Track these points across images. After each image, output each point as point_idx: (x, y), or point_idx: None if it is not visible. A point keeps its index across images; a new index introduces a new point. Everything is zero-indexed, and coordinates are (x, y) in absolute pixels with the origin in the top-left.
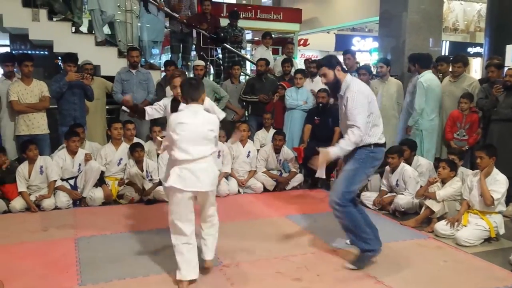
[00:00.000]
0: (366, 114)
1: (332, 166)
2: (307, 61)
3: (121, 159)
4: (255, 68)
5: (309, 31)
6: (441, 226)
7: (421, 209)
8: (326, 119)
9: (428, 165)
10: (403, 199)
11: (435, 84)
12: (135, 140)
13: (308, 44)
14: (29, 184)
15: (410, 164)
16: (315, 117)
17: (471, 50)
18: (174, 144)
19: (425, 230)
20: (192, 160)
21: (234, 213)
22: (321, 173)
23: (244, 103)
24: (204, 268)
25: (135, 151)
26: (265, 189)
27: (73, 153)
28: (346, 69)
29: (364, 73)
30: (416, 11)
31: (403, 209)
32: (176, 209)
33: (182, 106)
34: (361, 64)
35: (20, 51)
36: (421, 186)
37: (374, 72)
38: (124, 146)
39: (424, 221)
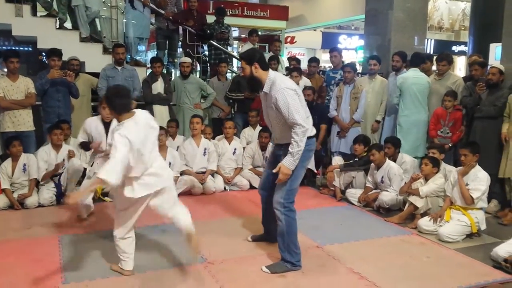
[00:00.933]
0: (302, 110)
1: (319, 163)
2: (290, 59)
3: None
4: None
5: (296, 29)
6: (424, 222)
7: (405, 205)
8: (312, 117)
9: (412, 162)
10: (387, 196)
11: (411, 81)
12: None
13: (295, 41)
14: (12, 182)
15: (394, 161)
16: None
17: (455, 48)
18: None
19: (409, 226)
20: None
21: (220, 210)
22: (311, 165)
23: (231, 101)
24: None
25: None
26: (252, 186)
27: (57, 147)
28: (333, 66)
29: (349, 70)
30: (402, 9)
31: (387, 206)
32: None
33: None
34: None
35: (3, 47)
36: (405, 183)
37: (359, 70)
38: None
39: (408, 217)
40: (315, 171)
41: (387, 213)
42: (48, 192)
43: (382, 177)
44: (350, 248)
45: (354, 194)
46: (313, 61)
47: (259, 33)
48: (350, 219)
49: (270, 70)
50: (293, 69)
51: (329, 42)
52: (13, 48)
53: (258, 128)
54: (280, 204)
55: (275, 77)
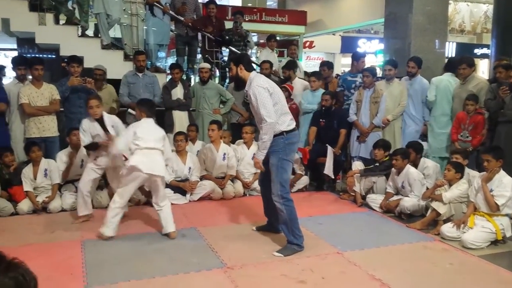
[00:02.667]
0: (270, 105)
1: (338, 168)
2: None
3: None
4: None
5: (314, 33)
6: (447, 229)
7: (427, 211)
8: (331, 121)
9: (434, 167)
10: (409, 202)
11: (445, 84)
12: None
13: (314, 46)
14: (35, 186)
15: (416, 166)
16: (320, 120)
17: (478, 51)
18: None
19: (431, 232)
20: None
21: (239, 215)
22: (328, 170)
23: (250, 106)
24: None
25: None
26: None
27: (76, 148)
28: (365, 86)
29: (367, 75)
30: (421, 12)
31: (409, 212)
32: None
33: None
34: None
35: (27, 55)
36: (427, 188)
37: (380, 74)
38: None
39: (430, 223)
40: (332, 176)
41: (409, 219)
42: (70, 197)
43: (403, 182)
44: (371, 255)
45: (375, 199)
46: (324, 65)
47: (278, 38)
48: (371, 225)
49: (253, 71)
50: (312, 74)
51: (349, 46)
52: (38, 55)
53: None
54: (278, 196)
55: (254, 77)
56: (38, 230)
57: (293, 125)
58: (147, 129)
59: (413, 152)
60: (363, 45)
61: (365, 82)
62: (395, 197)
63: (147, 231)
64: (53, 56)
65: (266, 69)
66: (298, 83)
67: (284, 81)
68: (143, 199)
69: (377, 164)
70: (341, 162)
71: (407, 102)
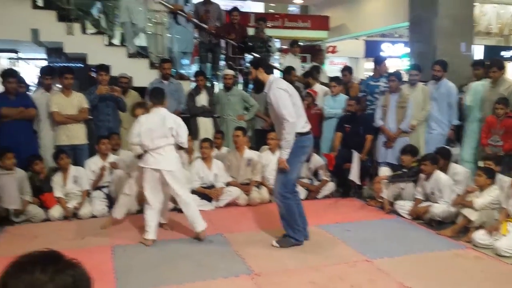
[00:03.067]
0: (290, 106)
1: (365, 174)
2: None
3: None
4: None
5: (338, 38)
6: (479, 236)
7: (458, 218)
8: (357, 127)
9: (465, 173)
10: (439, 208)
11: (481, 88)
12: None
13: (337, 51)
14: (66, 192)
15: (445, 172)
16: (346, 125)
17: (505, 53)
18: None
19: (463, 240)
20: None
21: (265, 221)
22: (354, 176)
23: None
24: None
25: None
26: None
27: (104, 156)
28: (391, 90)
29: (393, 79)
30: (446, 15)
31: (439, 219)
32: None
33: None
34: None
35: (56, 64)
36: (458, 195)
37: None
38: None
39: (462, 230)
40: (358, 182)
41: (439, 226)
42: (100, 204)
43: (432, 188)
44: (401, 262)
45: (403, 206)
46: (345, 70)
47: (300, 43)
48: (400, 232)
49: (271, 74)
50: (332, 79)
51: (373, 50)
52: (67, 65)
53: None
54: (278, 194)
55: (273, 80)
56: (69, 236)
57: (307, 128)
58: (150, 125)
59: (441, 158)
60: (387, 49)
61: (391, 86)
62: (424, 204)
63: (174, 237)
64: (81, 65)
65: (294, 76)
66: (318, 89)
67: (308, 87)
68: (171, 205)
69: (405, 170)
70: (367, 168)
71: (433, 106)
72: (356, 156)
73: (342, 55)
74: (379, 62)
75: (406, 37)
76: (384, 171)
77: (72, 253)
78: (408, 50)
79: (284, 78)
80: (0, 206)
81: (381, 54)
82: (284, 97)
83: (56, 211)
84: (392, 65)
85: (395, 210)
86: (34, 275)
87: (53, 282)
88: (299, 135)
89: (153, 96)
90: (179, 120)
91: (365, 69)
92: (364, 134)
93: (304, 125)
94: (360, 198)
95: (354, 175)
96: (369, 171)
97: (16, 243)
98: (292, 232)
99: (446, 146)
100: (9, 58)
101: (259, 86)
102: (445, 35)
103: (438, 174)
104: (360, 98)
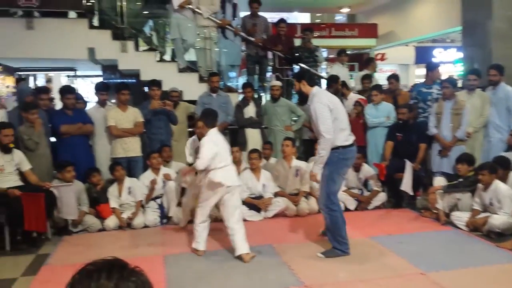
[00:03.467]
0: (329, 121)
1: (418, 184)
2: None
3: None
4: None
5: (386, 45)
6: None
7: None
8: (409, 136)
9: None
10: (498, 220)
11: None
12: None
13: (386, 58)
14: (120, 203)
15: (504, 182)
16: (397, 134)
17: None
18: None
19: None
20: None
21: (315, 232)
22: (407, 187)
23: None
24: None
25: None
26: (346, 209)
27: (156, 171)
28: (445, 96)
29: (447, 86)
30: (502, 18)
31: (498, 230)
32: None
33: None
34: (446, 76)
35: (111, 80)
36: None
37: (460, 84)
38: None
39: None
40: (411, 193)
41: (498, 238)
42: (153, 214)
43: (490, 199)
44: (458, 276)
45: (460, 217)
46: (392, 77)
47: (348, 52)
48: (457, 244)
49: (315, 87)
50: (373, 87)
51: (423, 56)
52: (122, 81)
53: None
54: (324, 206)
55: (316, 93)
56: (123, 245)
57: (350, 140)
58: (220, 144)
59: (500, 167)
60: (439, 55)
61: (445, 93)
62: (483, 215)
63: (223, 247)
64: (134, 81)
65: (340, 85)
66: (354, 99)
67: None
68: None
69: (461, 179)
70: (421, 178)
71: (491, 111)
72: (408, 166)
73: (392, 62)
74: (431, 68)
75: (459, 42)
76: (439, 181)
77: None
78: (461, 55)
79: (330, 87)
80: (60, 217)
81: (433, 60)
82: (323, 112)
83: (111, 221)
84: (445, 71)
85: (451, 221)
86: (99, 282)
87: None
88: (342, 148)
89: (210, 118)
90: None
91: (416, 75)
92: (417, 142)
93: (347, 138)
94: (414, 209)
95: (406, 185)
96: (422, 181)
97: (74, 252)
98: (338, 244)
99: (505, 154)
100: (68, 76)
101: (303, 98)
102: (500, 38)
103: (497, 184)
104: (411, 105)
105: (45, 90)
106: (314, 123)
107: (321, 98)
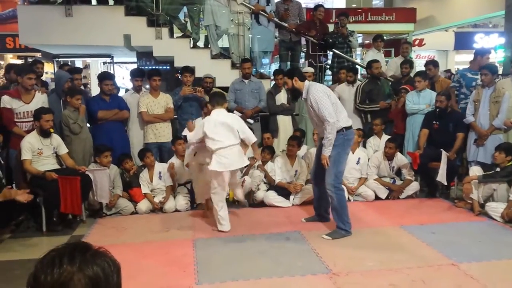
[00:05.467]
0: (330, 106)
1: (453, 173)
2: (428, 63)
3: None
4: (365, 72)
5: (425, 30)
6: None
7: None
8: (446, 124)
9: None
10: None
11: None
12: None
13: (424, 44)
14: (152, 188)
15: None
16: (434, 122)
17: None
18: None
19: None
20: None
21: None
22: (442, 178)
23: (362, 114)
24: None
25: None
26: (377, 197)
27: (181, 157)
28: (485, 84)
29: (486, 73)
30: None
31: None
32: None
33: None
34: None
35: (146, 67)
36: None
37: (500, 71)
38: None
39: None
40: (445, 183)
41: None
42: (183, 199)
43: None
44: (491, 268)
45: (495, 208)
46: (430, 63)
47: (384, 37)
48: (491, 235)
49: (305, 80)
50: (416, 74)
51: (463, 42)
52: (155, 67)
53: (385, 137)
54: (331, 185)
55: (310, 85)
56: (154, 228)
57: (350, 122)
58: (215, 126)
59: None
60: (480, 40)
61: (484, 80)
62: None
63: (252, 232)
64: (167, 68)
65: (377, 68)
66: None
67: (398, 83)
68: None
69: (498, 169)
70: (456, 167)
71: None
72: (444, 156)
73: (430, 48)
74: (481, 53)
75: (501, 27)
76: (475, 171)
77: (157, 245)
78: (503, 40)
79: (367, 72)
80: (94, 200)
81: (474, 45)
82: (323, 99)
83: (143, 204)
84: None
85: (485, 212)
86: (62, 268)
87: (82, 271)
88: (345, 129)
89: (215, 98)
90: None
91: (455, 62)
92: (454, 131)
93: (347, 119)
94: (447, 199)
95: (441, 176)
96: (457, 170)
97: (107, 234)
98: (342, 224)
99: None
100: (104, 62)
101: (296, 94)
102: None
103: None
104: (450, 90)
105: (78, 70)
106: (314, 113)
107: (316, 88)
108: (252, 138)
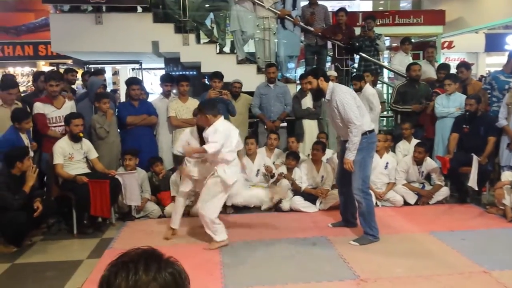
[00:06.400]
0: (356, 109)
1: (485, 178)
2: (460, 65)
3: (258, 170)
4: (393, 76)
5: (454, 33)
6: None
7: None
8: (477, 128)
9: None
10: None
11: None
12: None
13: (453, 46)
14: None
15: None
16: (464, 126)
17: None
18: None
19: None
20: None
21: None
22: (473, 183)
23: (394, 113)
24: None
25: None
26: (406, 203)
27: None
28: (460, 79)
29: None
30: None
31: None
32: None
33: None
34: None
35: (173, 73)
36: None
37: None
38: (260, 158)
39: None
40: (476, 188)
41: None
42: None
43: None
44: None
45: None
46: (461, 66)
47: (412, 40)
48: None
49: (330, 82)
50: (446, 76)
51: (494, 44)
52: (183, 73)
53: (414, 141)
54: (359, 190)
55: (335, 87)
56: (182, 232)
57: (373, 126)
58: (228, 135)
59: None
60: (511, 42)
61: None
62: None
63: (278, 237)
64: (194, 73)
65: (415, 71)
66: (369, 88)
67: (432, 86)
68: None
69: None
70: (488, 172)
71: None
72: (475, 160)
73: (459, 51)
74: None
75: None
76: (507, 176)
77: (185, 249)
78: None
79: (407, 75)
80: (123, 203)
81: (506, 47)
82: (349, 101)
83: (171, 208)
84: None
85: None
86: (138, 275)
87: (156, 281)
88: (369, 132)
89: (210, 108)
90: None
91: (486, 64)
92: (485, 135)
93: (370, 124)
94: (479, 205)
95: (472, 181)
96: (489, 175)
97: (136, 237)
98: (370, 229)
99: None
100: (133, 69)
101: (319, 94)
102: None
103: None
104: (482, 93)
105: (136, 81)
106: (339, 115)
107: (342, 90)
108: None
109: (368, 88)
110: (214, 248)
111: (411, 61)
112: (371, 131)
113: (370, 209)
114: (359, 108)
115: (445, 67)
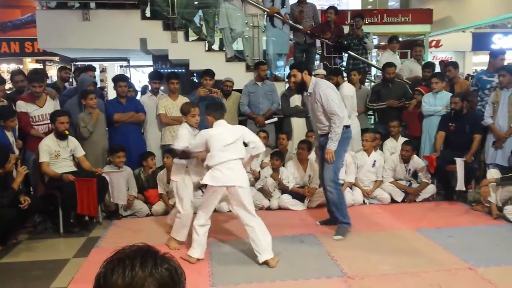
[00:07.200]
0: (339, 102)
1: (470, 176)
2: (442, 63)
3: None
4: (380, 74)
5: (441, 32)
6: None
7: None
8: (462, 126)
9: None
10: None
11: None
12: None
13: (441, 45)
14: (168, 190)
15: None
16: (450, 124)
17: None
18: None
19: None
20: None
21: (359, 224)
22: (460, 186)
23: (371, 112)
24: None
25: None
26: (393, 201)
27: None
28: (503, 85)
29: (504, 74)
30: None
31: None
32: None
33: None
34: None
35: (161, 70)
36: None
37: None
38: None
39: None
40: (464, 189)
41: None
42: (198, 201)
43: None
44: (509, 272)
45: None
46: (449, 65)
47: (400, 39)
48: (509, 239)
49: (312, 76)
50: (433, 75)
51: (481, 43)
52: (173, 70)
53: (401, 139)
54: (331, 181)
55: (317, 81)
56: (169, 230)
57: (349, 122)
58: (220, 139)
59: None
60: (498, 41)
61: (502, 82)
62: None
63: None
64: (183, 71)
65: (389, 73)
66: (347, 88)
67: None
68: (266, 203)
69: None
70: (474, 170)
71: None
72: (459, 163)
73: (447, 49)
74: (495, 55)
75: None
76: (493, 173)
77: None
78: None
79: (382, 74)
80: (110, 201)
81: (493, 46)
82: (332, 95)
83: (159, 206)
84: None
85: (504, 215)
86: (134, 271)
87: (152, 276)
88: (345, 127)
89: (213, 110)
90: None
91: (473, 63)
92: (471, 133)
93: (347, 119)
94: (465, 202)
95: (460, 183)
96: (475, 173)
97: (123, 235)
98: (343, 218)
99: None
100: (121, 66)
101: (303, 87)
102: None
103: None
104: (469, 93)
105: (123, 78)
106: (322, 108)
107: (326, 83)
108: (261, 147)
109: (345, 88)
110: (169, 245)
111: (399, 60)
112: (348, 127)
113: (341, 199)
114: (341, 102)
115: (430, 65)
